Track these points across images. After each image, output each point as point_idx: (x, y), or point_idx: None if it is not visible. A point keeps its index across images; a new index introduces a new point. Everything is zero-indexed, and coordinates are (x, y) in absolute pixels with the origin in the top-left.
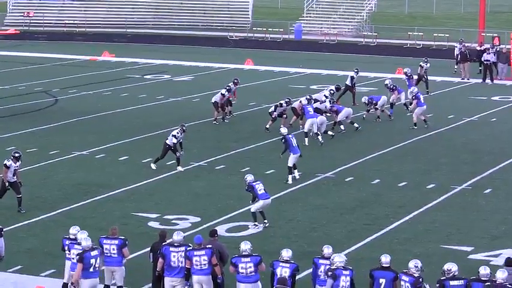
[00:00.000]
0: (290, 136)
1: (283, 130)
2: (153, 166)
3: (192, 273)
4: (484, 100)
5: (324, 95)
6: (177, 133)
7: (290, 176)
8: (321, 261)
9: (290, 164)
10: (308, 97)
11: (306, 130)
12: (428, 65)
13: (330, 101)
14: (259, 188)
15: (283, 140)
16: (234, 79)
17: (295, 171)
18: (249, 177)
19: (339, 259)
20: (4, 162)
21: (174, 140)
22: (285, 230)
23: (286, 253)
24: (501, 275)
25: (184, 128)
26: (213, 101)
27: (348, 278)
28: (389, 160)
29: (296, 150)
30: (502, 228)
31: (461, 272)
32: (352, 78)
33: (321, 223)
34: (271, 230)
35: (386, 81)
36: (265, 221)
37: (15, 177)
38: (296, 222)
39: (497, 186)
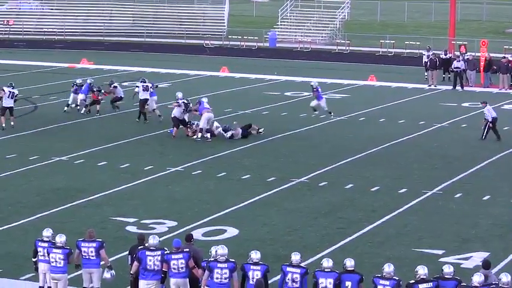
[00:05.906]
0: None
1: None
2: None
3: (169, 276)
4: (454, 106)
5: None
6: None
7: None
8: (288, 268)
9: None
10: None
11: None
12: None
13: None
14: None
15: None
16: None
17: None
18: None
19: (222, 251)
20: None
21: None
22: (260, 234)
23: (255, 255)
24: (477, 279)
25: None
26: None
27: (226, 271)
28: (361, 165)
29: None
30: (472, 232)
31: (432, 275)
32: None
33: (295, 227)
34: (246, 233)
35: (312, 83)
36: None
37: None
38: (271, 226)
39: (468, 191)
